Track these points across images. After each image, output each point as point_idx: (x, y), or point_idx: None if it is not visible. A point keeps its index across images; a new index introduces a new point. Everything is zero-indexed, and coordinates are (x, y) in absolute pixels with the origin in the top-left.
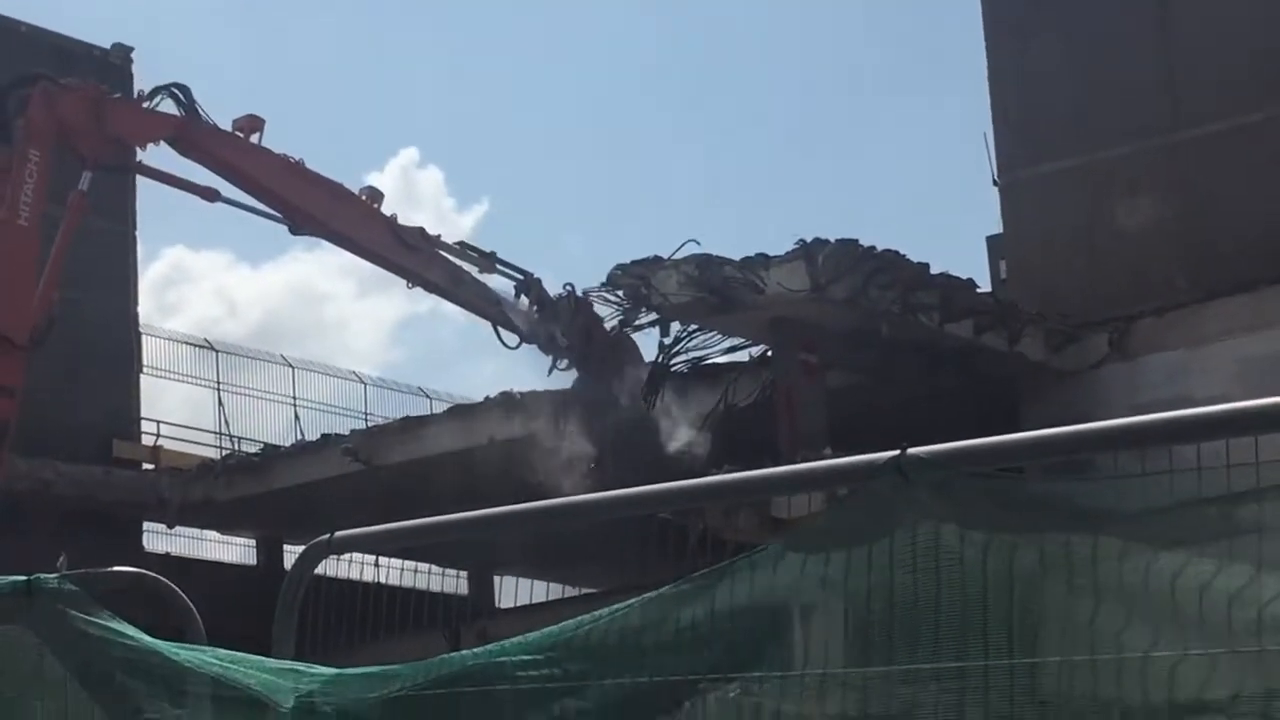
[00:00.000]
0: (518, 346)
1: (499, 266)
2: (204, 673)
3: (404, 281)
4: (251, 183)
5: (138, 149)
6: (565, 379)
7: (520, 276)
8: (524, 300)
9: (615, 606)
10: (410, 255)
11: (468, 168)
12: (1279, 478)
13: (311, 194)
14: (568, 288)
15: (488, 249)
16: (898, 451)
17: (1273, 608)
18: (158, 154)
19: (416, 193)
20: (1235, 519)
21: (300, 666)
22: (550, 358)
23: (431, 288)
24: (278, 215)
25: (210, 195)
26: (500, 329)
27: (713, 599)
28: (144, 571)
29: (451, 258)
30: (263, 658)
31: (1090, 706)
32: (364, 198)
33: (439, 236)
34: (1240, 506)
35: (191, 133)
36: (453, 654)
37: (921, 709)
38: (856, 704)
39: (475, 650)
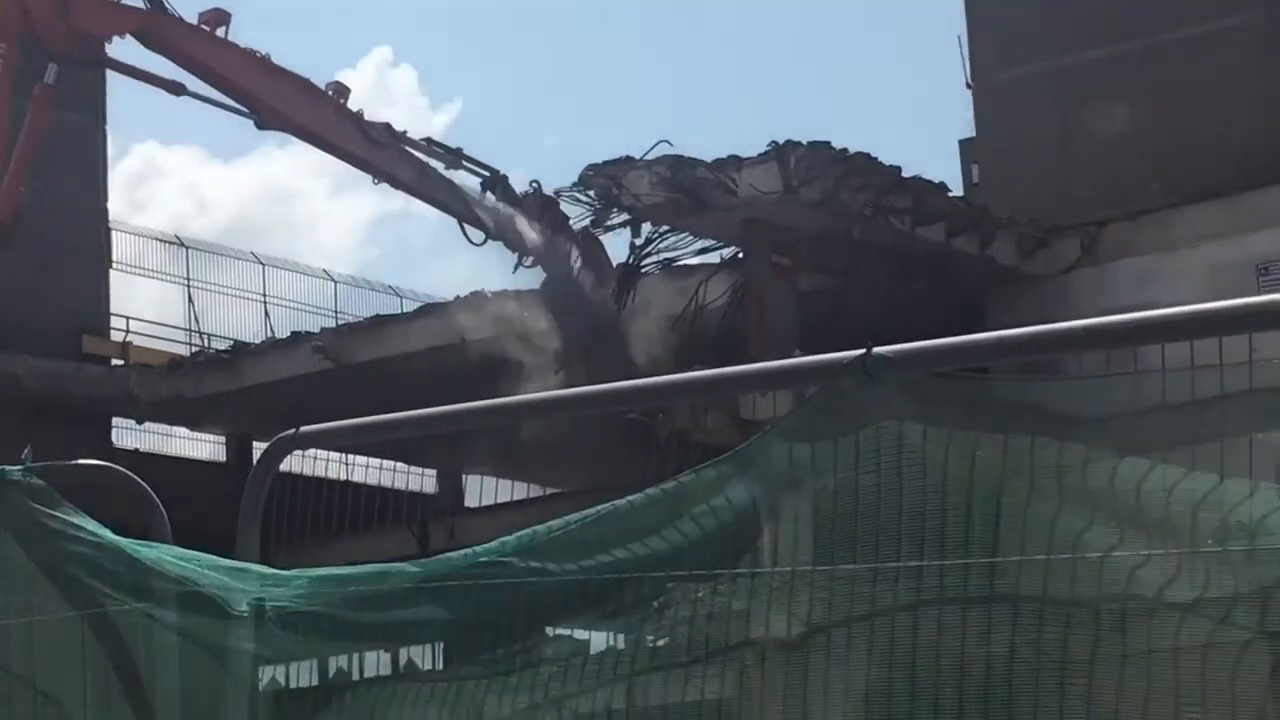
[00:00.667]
0: (483, 243)
1: (465, 163)
2: (163, 571)
3: (376, 180)
4: (217, 77)
5: (105, 42)
6: (533, 277)
7: (487, 173)
8: (490, 197)
9: (586, 512)
10: (376, 151)
11: (441, 67)
12: (1242, 379)
13: (278, 89)
14: (534, 184)
15: (456, 146)
16: (863, 350)
17: (1236, 513)
18: (126, 47)
19: (390, 92)
20: (1199, 425)
21: (257, 567)
22: (516, 254)
23: (398, 184)
24: (244, 110)
25: (177, 89)
26: (466, 225)
27: (682, 500)
28: (109, 464)
29: (418, 154)
30: (220, 559)
31: (1052, 607)
32: (330, 93)
33: (405, 133)
34: (1204, 413)
35: (158, 26)
36: (403, 564)
37: (885, 608)
38: (822, 603)
39: (426, 560)
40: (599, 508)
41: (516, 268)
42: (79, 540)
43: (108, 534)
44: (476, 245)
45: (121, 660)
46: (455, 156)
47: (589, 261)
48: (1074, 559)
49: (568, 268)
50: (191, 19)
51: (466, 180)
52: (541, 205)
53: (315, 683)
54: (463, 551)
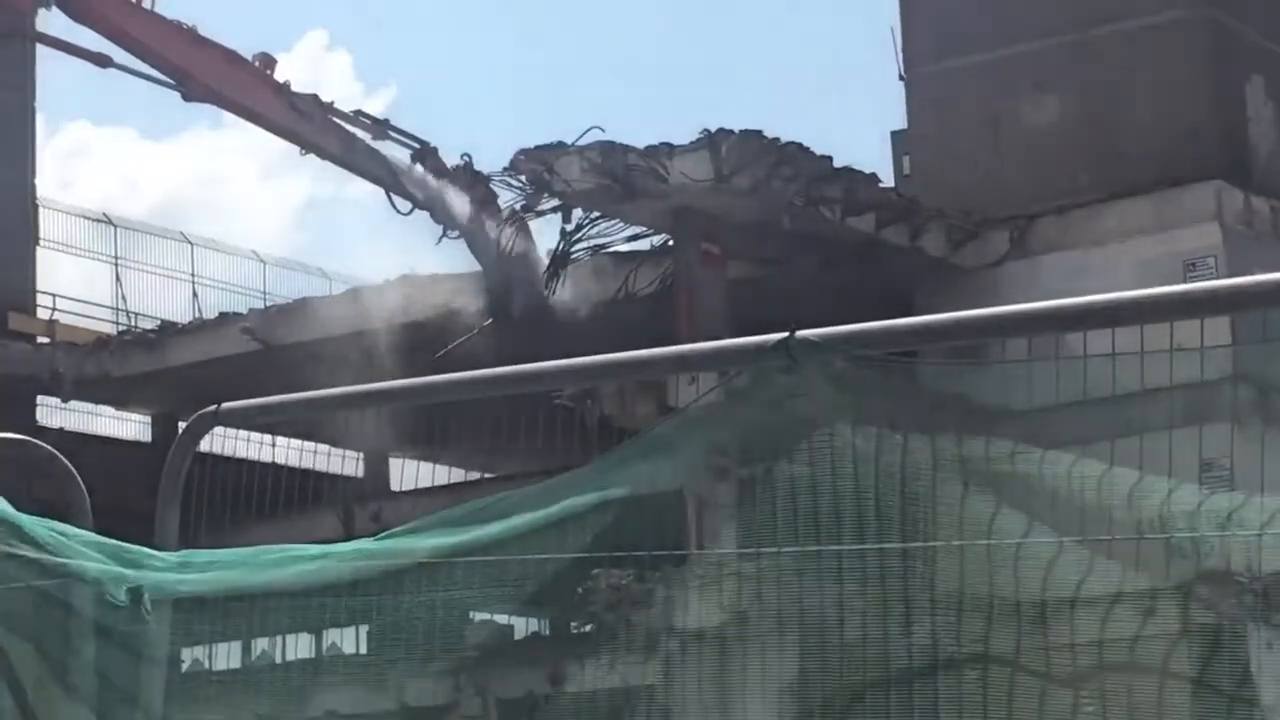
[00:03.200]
0: (410, 213)
1: (392, 134)
2: (53, 551)
3: (312, 166)
4: (143, 48)
5: (30, 15)
6: (461, 257)
7: (416, 145)
8: (419, 168)
9: (509, 493)
10: (303, 121)
11: (375, 52)
12: (1162, 367)
13: (204, 60)
14: (465, 157)
15: (383, 118)
16: (787, 334)
17: (1151, 505)
18: (52, 21)
19: (325, 76)
20: (1120, 419)
21: (154, 553)
22: (441, 227)
23: (324, 154)
24: (171, 82)
25: (103, 61)
26: (393, 195)
27: (606, 482)
28: (29, 439)
29: (345, 125)
30: (116, 542)
31: (971, 598)
32: (257, 64)
33: (332, 103)
34: (1125, 407)
35: None
36: (306, 548)
37: (809, 595)
38: (749, 589)
39: (338, 546)
40: (518, 490)
41: (441, 239)
42: None
43: (7, 509)
44: (404, 215)
45: None
46: (382, 127)
47: (516, 236)
48: (988, 546)
49: (494, 241)
50: None
51: (396, 152)
52: (471, 179)
53: (208, 666)
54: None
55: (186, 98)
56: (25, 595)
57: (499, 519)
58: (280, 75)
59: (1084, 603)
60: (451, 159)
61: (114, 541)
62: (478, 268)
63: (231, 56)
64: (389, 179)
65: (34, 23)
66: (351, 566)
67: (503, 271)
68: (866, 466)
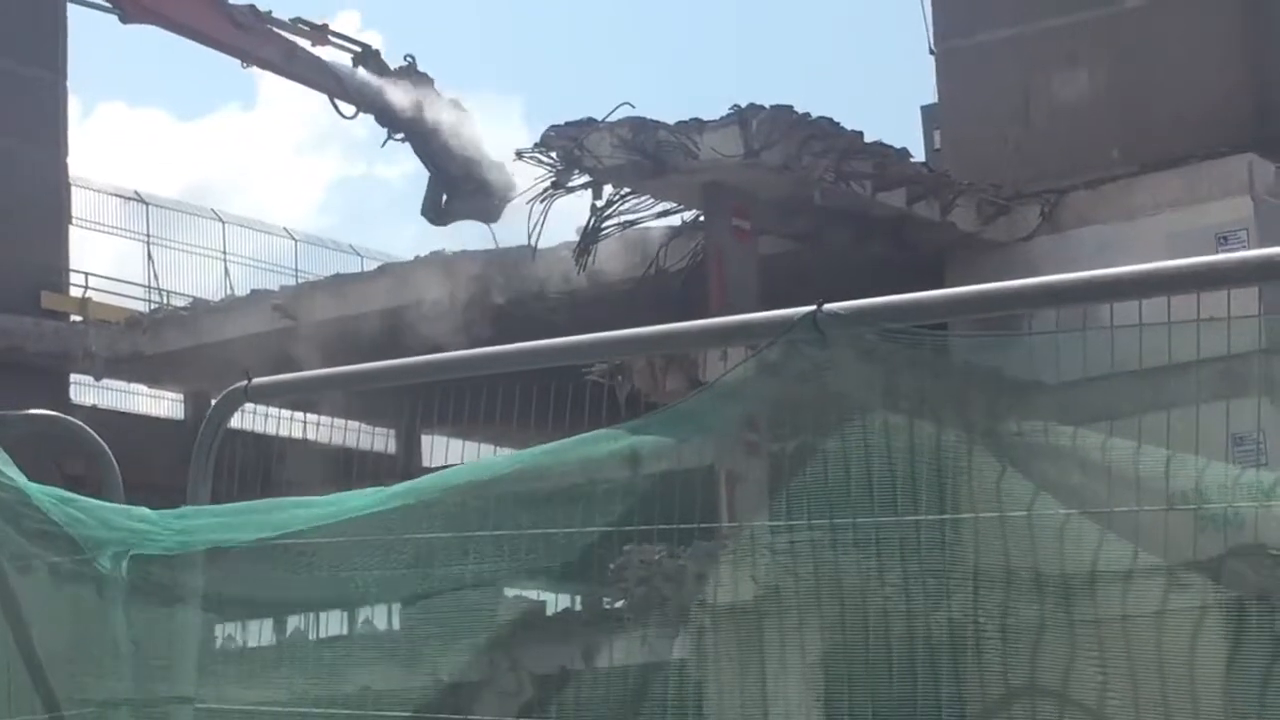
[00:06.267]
0: (354, 116)
1: (332, 39)
2: (62, 522)
3: (245, 63)
4: None
5: None
6: (489, 234)
7: (358, 49)
8: (362, 71)
9: (527, 450)
10: (243, 35)
11: (406, 32)
12: (1189, 337)
13: None
14: (409, 59)
15: (321, 23)
16: (815, 307)
17: (1181, 479)
18: None
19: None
20: (1151, 394)
21: (145, 511)
22: (385, 130)
23: (266, 64)
24: (109, 6)
25: None
26: (337, 101)
27: (634, 454)
28: (60, 415)
29: (284, 34)
30: (115, 505)
31: (998, 569)
32: None
33: (270, 13)
34: (1157, 382)
35: None
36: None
37: (846, 573)
38: (781, 564)
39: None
40: (538, 449)
41: (385, 142)
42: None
43: (22, 480)
44: (348, 119)
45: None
46: (322, 33)
47: (459, 129)
48: (1029, 517)
49: (438, 135)
50: None
51: (339, 58)
52: (415, 79)
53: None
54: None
55: (125, 19)
56: (22, 559)
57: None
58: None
59: (1116, 576)
60: (395, 63)
61: (112, 505)
62: (505, 245)
63: None
64: (333, 85)
65: None
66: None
67: (442, 150)
68: (897, 440)
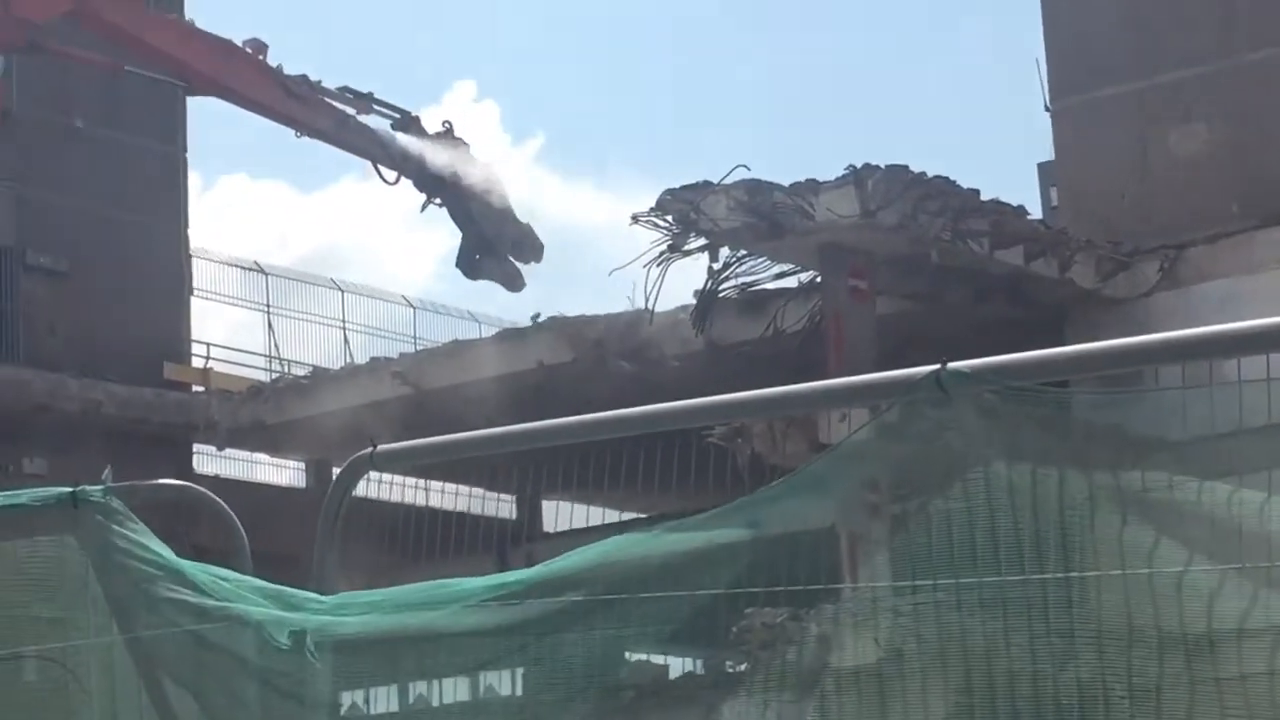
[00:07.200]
0: (396, 181)
1: (376, 107)
2: (214, 596)
3: (299, 133)
4: (147, 49)
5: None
6: (605, 299)
7: (397, 115)
8: (402, 137)
9: (656, 528)
10: (298, 105)
11: (523, 101)
12: None
13: (204, 54)
14: (446, 124)
15: (367, 91)
16: (938, 366)
17: None
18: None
19: (472, 127)
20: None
21: (315, 597)
22: (424, 196)
23: (319, 134)
24: (176, 80)
25: (115, 69)
26: (380, 167)
27: (756, 520)
28: (189, 484)
29: (335, 103)
30: (276, 586)
31: (1134, 631)
32: (249, 50)
33: (320, 82)
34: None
35: (90, 5)
36: (462, 581)
37: (971, 634)
38: (902, 627)
39: (488, 579)
40: (667, 522)
41: (425, 207)
42: (143, 560)
43: (169, 555)
44: (390, 184)
45: (155, 685)
46: (366, 101)
47: (493, 189)
48: (1150, 574)
49: (474, 197)
50: None
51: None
52: (450, 142)
53: (372, 712)
54: (528, 571)
55: (190, 92)
56: (185, 640)
57: (647, 558)
58: (262, 48)
59: (1250, 634)
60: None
61: (274, 585)
62: (622, 309)
63: (228, 47)
64: (378, 152)
65: (47, 36)
66: (505, 604)
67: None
68: (1021, 499)
